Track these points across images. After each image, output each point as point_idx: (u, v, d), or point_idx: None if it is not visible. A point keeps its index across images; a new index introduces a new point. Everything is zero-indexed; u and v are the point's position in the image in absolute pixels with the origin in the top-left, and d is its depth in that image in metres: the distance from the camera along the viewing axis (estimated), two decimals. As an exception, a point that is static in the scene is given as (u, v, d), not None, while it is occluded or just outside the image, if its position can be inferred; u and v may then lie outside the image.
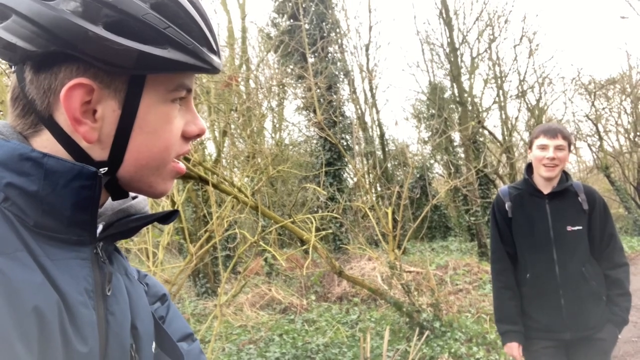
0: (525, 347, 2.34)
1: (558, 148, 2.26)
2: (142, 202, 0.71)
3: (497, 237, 2.43)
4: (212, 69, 0.64)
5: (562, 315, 2.27)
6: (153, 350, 0.70)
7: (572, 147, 2.34)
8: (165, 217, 0.68)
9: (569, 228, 2.28)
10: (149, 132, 0.62)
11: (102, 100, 0.59)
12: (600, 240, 2.30)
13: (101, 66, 0.57)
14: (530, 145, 2.39)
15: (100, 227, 0.65)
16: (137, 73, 0.59)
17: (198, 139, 0.80)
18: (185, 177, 4.35)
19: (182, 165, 0.67)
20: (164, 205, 5.06)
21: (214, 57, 0.65)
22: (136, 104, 0.60)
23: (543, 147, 2.29)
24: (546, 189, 2.34)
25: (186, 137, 0.67)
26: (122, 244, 3.96)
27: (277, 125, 13.75)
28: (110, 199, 0.67)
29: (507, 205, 2.41)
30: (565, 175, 2.38)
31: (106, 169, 0.61)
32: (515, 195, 2.41)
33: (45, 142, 0.60)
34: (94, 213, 0.59)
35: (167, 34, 0.59)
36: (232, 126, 8.10)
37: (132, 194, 0.71)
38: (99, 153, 0.61)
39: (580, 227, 2.28)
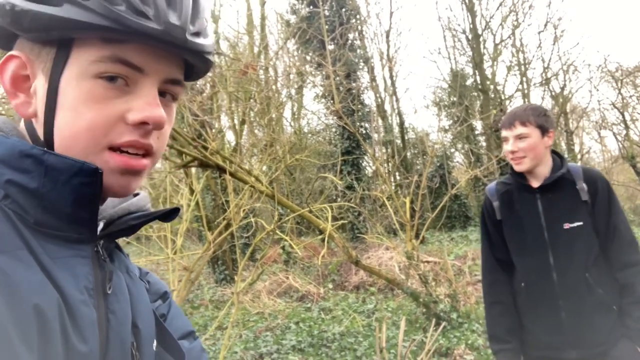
0: None
1: (518, 137, 1.93)
2: (143, 200, 0.70)
3: (486, 245, 2.11)
4: (136, 34, 0.55)
5: (563, 330, 1.91)
6: (154, 348, 0.69)
7: (548, 127, 1.94)
8: (167, 215, 0.67)
9: (567, 225, 1.91)
10: (68, 109, 0.57)
11: (37, 75, 0.59)
12: (605, 234, 1.91)
13: (24, 36, 0.58)
14: None
15: (100, 225, 0.64)
16: (47, 39, 0.57)
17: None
18: (204, 165, 4.38)
19: (131, 160, 0.59)
20: (183, 192, 5.11)
21: (138, 19, 0.55)
22: (58, 78, 0.58)
23: (505, 140, 2.00)
24: (535, 182, 1.98)
25: (131, 124, 0.58)
26: (142, 231, 4.02)
27: (296, 114, 13.75)
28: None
29: (495, 205, 2.08)
30: (560, 159, 2.01)
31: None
32: (503, 193, 2.07)
33: (22, 123, 0.62)
34: (95, 210, 0.58)
35: None
36: (251, 114, 8.11)
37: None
38: (40, 131, 0.60)
39: (581, 223, 1.89)
